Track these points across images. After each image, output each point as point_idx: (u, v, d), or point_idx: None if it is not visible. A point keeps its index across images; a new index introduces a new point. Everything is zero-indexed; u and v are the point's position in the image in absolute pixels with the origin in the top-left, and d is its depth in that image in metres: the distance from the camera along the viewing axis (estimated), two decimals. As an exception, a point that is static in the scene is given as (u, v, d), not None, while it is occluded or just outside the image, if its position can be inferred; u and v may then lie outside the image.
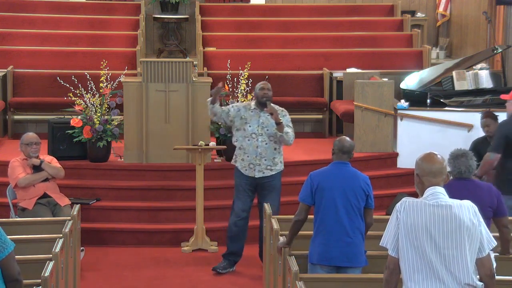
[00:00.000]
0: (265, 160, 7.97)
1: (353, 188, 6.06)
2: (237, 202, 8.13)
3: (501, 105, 10.44)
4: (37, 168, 8.34)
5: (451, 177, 6.04)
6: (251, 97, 9.84)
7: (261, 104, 7.93)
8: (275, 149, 8.01)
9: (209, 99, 8.13)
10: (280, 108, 8.04)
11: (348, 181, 6.08)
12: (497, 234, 6.01)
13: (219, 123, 9.11)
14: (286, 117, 8.00)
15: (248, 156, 7.98)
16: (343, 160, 6.18)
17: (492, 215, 5.96)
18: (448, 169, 5.96)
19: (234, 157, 8.15)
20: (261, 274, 7.85)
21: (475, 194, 5.78)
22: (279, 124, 7.82)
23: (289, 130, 7.91)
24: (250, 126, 7.97)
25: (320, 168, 6.29)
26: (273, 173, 8.03)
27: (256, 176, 8.00)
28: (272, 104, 7.92)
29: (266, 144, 7.96)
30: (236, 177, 8.14)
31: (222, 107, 8.18)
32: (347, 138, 6.28)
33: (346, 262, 6.03)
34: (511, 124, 7.67)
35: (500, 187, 6.36)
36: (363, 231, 6.12)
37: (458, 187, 5.84)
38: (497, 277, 4.86)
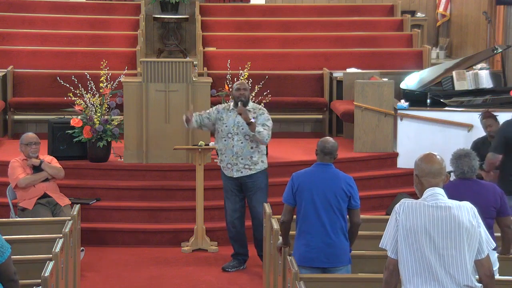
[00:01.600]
0: (242, 159, 7.96)
1: (333, 189, 6.01)
2: (227, 202, 8.20)
3: (501, 105, 10.47)
4: (37, 168, 8.34)
5: (454, 177, 6.05)
6: (251, 97, 9.84)
7: (237, 104, 7.95)
8: (251, 148, 7.97)
9: (184, 118, 8.12)
10: (259, 106, 8.10)
11: (328, 182, 6.04)
12: (500, 234, 6.03)
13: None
14: (263, 116, 7.97)
15: (226, 156, 8.01)
16: (325, 161, 6.15)
17: (495, 215, 5.95)
18: (451, 169, 5.98)
19: (218, 157, 8.23)
20: (261, 274, 7.85)
21: (479, 194, 5.78)
22: (249, 124, 7.82)
23: (261, 129, 7.84)
24: (226, 126, 7.99)
25: (302, 169, 6.27)
26: (253, 172, 8.00)
27: (234, 176, 8.01)
28: (251, 103, 8.03)
29: (242, 143, 7.95)
30: (222, 178, 8.21)
31: (203, 112, 8.20)
32: (330, 139, 6.23)
33: (326, 263, 6.01)
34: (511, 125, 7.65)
35: (502, 188, 6.34)
36: (345, 231, 6.08)
37: (462, 187, 5.84)
38: (497, 277, 4.87)
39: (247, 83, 9.92)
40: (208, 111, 8.21)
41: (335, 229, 6.02)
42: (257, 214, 8.04)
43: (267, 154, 9.95)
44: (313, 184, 6.04)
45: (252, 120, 7.83)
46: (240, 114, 7.82)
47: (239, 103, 7.89)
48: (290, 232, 6.28)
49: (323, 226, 6.00)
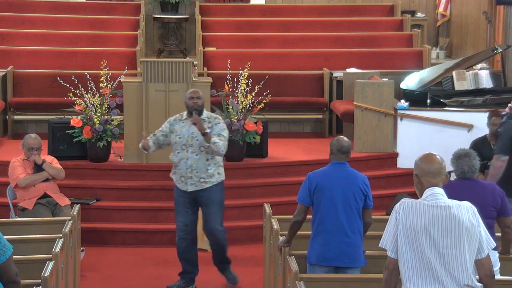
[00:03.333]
0: (197, 172, 7.44)
1: (352, 188, 6.05)
2: (178, 216, 7.66)
3: (501, 105, 10.46)
4: (38, 168, 8.34)
5: (454, 177, 6.04)
6: (251, 97, 9.85)
7: (191, 114, 7.44)
8: (207, 160, 7.45)
9: (140, 145, 7.67)
10: (214, 115, 7.66)
11: (347, 181, 6.07)
12: (500, 234, 6.03)
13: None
14: (219, 125, 7.51)
15: (179, 169, 7.49)
16: (341, 160, 6.17)
17: (496, 215, 5.95)
18: (451, 169, 5.97)
19: (172, 170, 7.74)
20: (261, 274, 7.85)
21: (479, 194, 5.78)
22: (204, 134, 7.31)
23: (217, 140, 7.35)
24: (180, 138, 7.50)
25: (318, 169, 6.28)
26: (208, 185, 7.48)
27: (188, 190, 7.49)
28: (206, 112, 7.57)
29: (196, 155, 7.43)
30: (174, 190, 7.69)
31: (156, 132, 7.73)
32: (345, 138, 6.25)
33: (344, 263, 6.02)
34: None
35: (505, 190, 6.29)
36: (361, 231, 6.11)
37: (462, 187, 5.83)
38: (497, 277, 4.87)
39: (247, 83, 9.95)
40: (161, 128, 7.70)
41: (353, 229, 6.04)
42: (212, 230, 7.61)
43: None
44: (333, 183, 6.05)
45: (208, 131, 7.34)
46: (194, 124, 7.34)
47: (194, 113, 7.39)
48: (301, 232, 6.28)
49: (341, 225, 6.01)
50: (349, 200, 6.03)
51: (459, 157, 5.97)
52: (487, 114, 8.76)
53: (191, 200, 7.56)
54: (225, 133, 7.54)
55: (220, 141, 7.39)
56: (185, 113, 7.60)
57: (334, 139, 6.27)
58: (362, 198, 6.08)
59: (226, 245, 7.83)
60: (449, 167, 4.96)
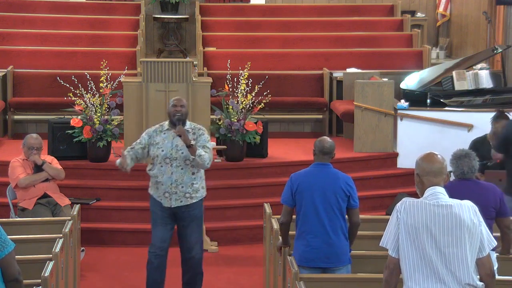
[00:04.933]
0: (182, 187, 6.95)
1: (333, 189, 6.03)
2: (155, 232, 7.11)
3: (501, 105, 10.47)
4: (37, 169, 8.34)
5: (453, 177, 6.05)
6: (251, 97, 9.85)
7: (174, 124, 6.98)
8: (193, 173, 6.98)
9: (117, 163, 7.02)
10: (198, 126, 7.13)
11: (328, 182, 6.05)
12: (498, 235, 6.02)
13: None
14: (203, 137, 7.02)
15: (162, 185, 6.96)
16: (324, 161, 6.15)
17: (495, 216, 5.96)
18: (450, 169, 5.98)
19: (150, 183, 7.17)
20: (261, 274, 7.85)
21: (478, 195, 5.78)
22: (189, 146, 6.82)
23: (202, 153, 6.86)
24: (163, 151, 6.96)
25: (301, 170, 6.27)
26: (194, 201, 7.01)
27: (172, 206, 6.98)
28: (189, 122, 7.12)
29: (182, 169, 6.94)
30: (151, 205, 7.14)
31: (134, 144, 7.17)
32: (328, 139, 6.25)
33: (326, 263, 6.01)
34: None
35: (507, 188, 6.32)
36: (345, 231, 6.09)
37: (461, 188, 5.83)
38: (497, 277, 4.87)
39: (247, 83, 9.95)
40: (138, 140, 7.17)
41: (335, 229, 6.02)
42: (191, 247, 7.11)
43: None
44: (313, 185, 6.04)
45: (193, 143, 6.85)
46: (179, 136, 6.84)
47: (177, 123, 6.91)
48: (290, 232, 6.30)
49: (323, 226, 6.00)
50: (330, 201, 6.01)
51: (459, 157, 5.98)
52: (487, 114, 8.77)
53: (170, 215, 7.06)
54: (210, 145, 7.08)
55: (206, 154, 6.90)
56: (166, 123, 7.11)
57: (317, 140, 6.26)
58: (345, 199, 6.05)
59: (202, 273, 7.25)
60: (449, 167, 4.96)
